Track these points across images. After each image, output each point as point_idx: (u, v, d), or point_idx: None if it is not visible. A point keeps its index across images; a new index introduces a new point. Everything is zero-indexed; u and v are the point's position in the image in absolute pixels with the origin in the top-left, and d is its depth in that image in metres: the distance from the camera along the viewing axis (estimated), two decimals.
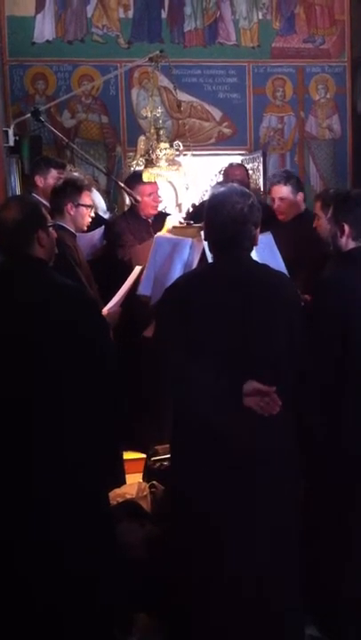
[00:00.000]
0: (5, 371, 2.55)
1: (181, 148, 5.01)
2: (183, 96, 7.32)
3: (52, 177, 4.82)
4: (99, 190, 6.65)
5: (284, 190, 4.71)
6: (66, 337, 2.55)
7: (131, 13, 7.52)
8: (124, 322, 4.12)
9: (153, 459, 4.24)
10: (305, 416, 3.00)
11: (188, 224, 4.18)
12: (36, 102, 7.14)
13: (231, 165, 6.06)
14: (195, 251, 3.82)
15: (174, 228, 4.26)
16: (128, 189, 4.92)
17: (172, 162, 4.89)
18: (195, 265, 3.75)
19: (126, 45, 7.52)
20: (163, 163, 4.84)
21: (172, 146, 4.98)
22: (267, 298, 2.78)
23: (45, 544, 2.55)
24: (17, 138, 6.10)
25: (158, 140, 4.93)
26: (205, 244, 3.14)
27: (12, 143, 5.91)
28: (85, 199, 4.23)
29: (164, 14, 7.59)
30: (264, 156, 7.47)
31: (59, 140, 6.47)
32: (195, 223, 4.06)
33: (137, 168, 5.12)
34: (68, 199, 4.16)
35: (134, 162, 5.30)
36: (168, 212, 6.21)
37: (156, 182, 5.01)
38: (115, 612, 2.87)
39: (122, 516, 3.61)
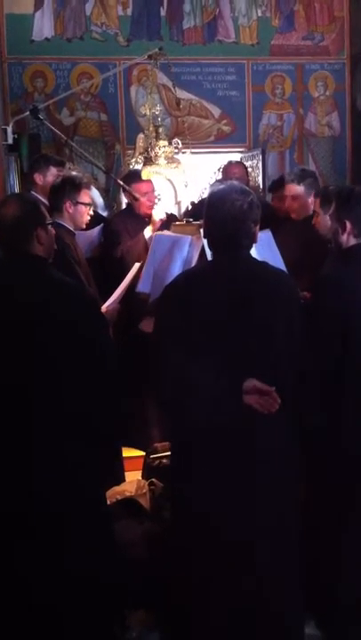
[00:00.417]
0: (5, 369, 2.55)
1: (180, 145, 5.02)
2: (182, 94, 7.31)
3: (51, 175, 4.81)
4: (98, 188, 6.65)
5: (297, 189, 4.67)
6: (65, 335, 2.55)
7: (130, 11, 7.51)
8: (124, 319, 4.12)
9: (152, 456, 4.24)
10: (305, 416, 3.00)
11: (187, 221, 4.18)
12: (35, 100, 7.13)
13: (230, 163, 6.04)
14: (194, 248, 3.82)
15: (174, 225, 4.26)
16: (127, 187, 4.92)
17: (171, 159, 4.91)
18: (194, 262, 3.75)
19: (125, 43, 7.51)
20: (162, 160, 4.85)
21: (170, 143, 4.99)
22: (266, 295, 2.77)
23: (45, 543, 2.54)
24: (16, 136, 6.09)
25: (157, 138, 4.95)
26: (205, 241, 3.14)
27: (10, 141, 5.90)
28: (84, 197, 4.23)
29: (163, 12, 7.58)
30: (263, 153, 7.46)
31: (58, 137, 6.48)
32: (194, 220, 4.06)
33: (136, 166, 5.12)
34: (66, 197, 4.15)
35: (133, 160, 5.31)
36: (168, 210, 6.21)
37: (151, 181, 5.01)
38: (114, 610, 2.88)
39: (121, 514, 3.61)
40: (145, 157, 4.85)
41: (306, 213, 4.64)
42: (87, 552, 2.61)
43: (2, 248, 2.73)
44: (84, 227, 4.38)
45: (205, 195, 4.44)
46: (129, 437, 4.63)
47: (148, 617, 3.24)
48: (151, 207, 5.01)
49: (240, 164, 6.27)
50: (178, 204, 6.84)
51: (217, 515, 2.74)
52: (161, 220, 4.74)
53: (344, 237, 3.15)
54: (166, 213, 5.30)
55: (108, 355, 2.72)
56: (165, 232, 4.19)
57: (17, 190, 6.01)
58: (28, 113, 5.18)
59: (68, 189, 4.17)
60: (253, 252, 3.01)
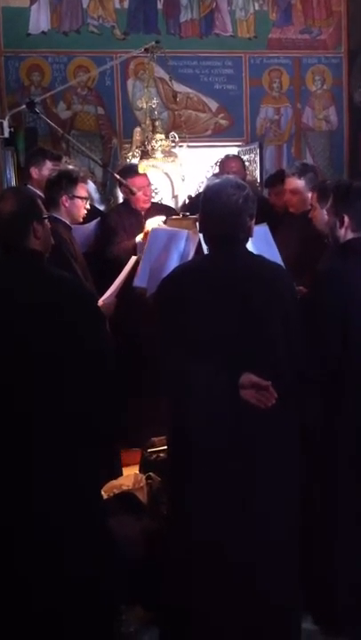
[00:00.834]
0: (3, 368, 2.54)
1: (177, 139, 5.00)
2: (179, 87, 7.30)
3: (47, 168, 4.80)
4: (95, 182, 6.64)
5: (297, 183, 4.64)
6: (64, 332, 2.54)
7: (126, 4, 7.47)
8: (120, 313, 4.11)
9: (149, 450, 4.25)
10: (303, 415, 3.00)
11: (184, 215, 4.17)
12: (32, 94, 7.10)
13: (227, 157, 6.03)
14: (191, 242, 3.81)
15: (170, 219, 4.25)
16: (124, 181, 4.91)
17: (168, 153, 4.89)
18: (191, 257, 3.74)
19: (122, 36, 7.48)
20: (159, 154, 4.84)
21: (167, 137, 4.97)
22: (262, 289, 2.77)
23: (45, 543, 2.54)
24: (12, 130, 6.05)
25: (154, 132, 4.93)
26: (201, 235, 3.13)
27: (7, 135, 5.87)
28: (80, 191, 4.22)
29: (159, 5, 7.54)
30: (261, 147, 7.46)
31: (54, 131, 6.46)
32: (191, 215, 4.05)
33: (133, 160, 5.10)
34: (62, 191, 4.14)
35: (130, 153, 5.29)
36: (164, 203, 6.21)
37: (146, 175, 5.00)
38: (112, 609, 2.88)
39: (118, 509, 3.61)
40: (142, 151, 4.83)
41: (304, 208, 4.61)
42: (85, 552, 2.60)
43: None
44: (81, 221, 4.37)
45: (202, 189, 4.43)
46: (125, 437, 4.64)
47: (145, 612, 3.24)
48: (147, 201, 5.00)
49: (237, 157, 6.26)
50: (175, 197, 6.84)
51: (215, 512, 2.73)
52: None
53: (342, 232, 3.15)
54: (162, 205, 5.30)
55: (107, 352, 2.72)
56: (162, 226, 4.18)
57: (13, 184, 6.00)
58: (24, 106, 5.15)
59: (64, 183, 4.16)
60: (250, 246, 3.00)
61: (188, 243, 3.81)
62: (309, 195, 4.59)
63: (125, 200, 5.28)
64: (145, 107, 5.00)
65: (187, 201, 6.31)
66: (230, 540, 2.73)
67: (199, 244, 3.66)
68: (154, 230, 4.05)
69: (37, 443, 2.53)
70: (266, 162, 7.60)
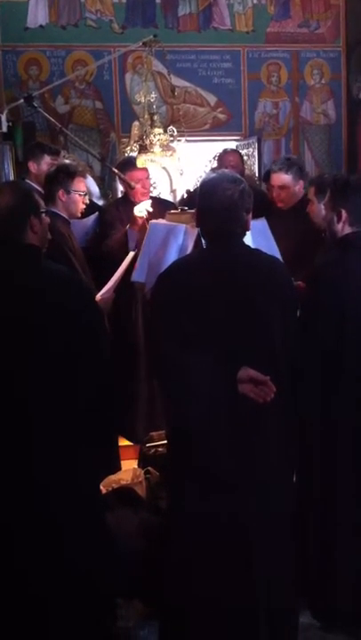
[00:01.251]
0: (2, 359, 2.53)
1: (176, 133, 4.99)
2: (177, 81, 7.28)
3: (45, 163, 4.79)
4: (93, 177, 6.63)
5: (284, 178, 4.60)
6: (60, 324, 2.53)
7: None
8: (117, 308, 4.12)
9: (148, 445, 4.25)
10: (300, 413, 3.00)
11: (182, 210, 4.17)
12: (30, 88, 7.09)
13: (226, 151, 6.02)
14: (189, 237, 3.80)
15: (169, 214, 4.25)
16: (122, 175, 4.90)
17: (166, 147, 4.88)
18: (189, 251, 3.74)
19: (120, 30, 7.48)
20: (157, 148, 4.82)
21: (166, 131, 4.96)
22: (259, 283, 2.76)
23: (44, 537, 2.54)
24: (10, 124, 6.05)
25: (152, 126, 4.91)
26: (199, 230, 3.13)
27: (5, 129, 5.86)
28: (78, 185, 4.21)
29: None
30: (259, 141, 7.45)
31: (52, 125, 6.43)
32: (189, 209, 4.04)
33: (131, 154, 5.09)
34: (59, 186, 4.14)
35: (128, 147, 5.28)
36: (163, 197, 6.20)
37: (145, 169, 4.99)
38: (109, 603, 2.89)
39: (117, 503, 3.62)
40: (140, 145, 4.82)
41: (293, 202, 4.62)
42: (84, 546, 2.60)
43: None
44: (80, 215, 4.36)
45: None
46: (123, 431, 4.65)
47: (144, 607, 3.24)
48: (146, 194, 4.99)
49: (235, 152, 6.25)
50: (173, 192, 6.83)
51: (214, 507, 2.73)
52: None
53: (339, 226, 3.15)
54: (160, 199, 5.28)
55: (103, 343, 2.72)
56: (161, 221, 4.17)
57: (12, 179, 5.98)
58: (22, 101, 5.14)
59: (61, 178, 4.15)
60: (248, 240, 2.99)
61: (187, 237, 3.81)
62: (297, 188, 4.61)
63: (125, 194, 5.28)
64: (143, 101, 4.99)
65: (185, 195, 6.31)
66: (229, 537, 2.73)
67: (198, 238, 3.65)
68: (152, 225, 4.04)
69: (37, 433, 2.53)
70: (264, 156, 7.60)
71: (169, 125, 5.23)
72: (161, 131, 4.89)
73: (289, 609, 2.92)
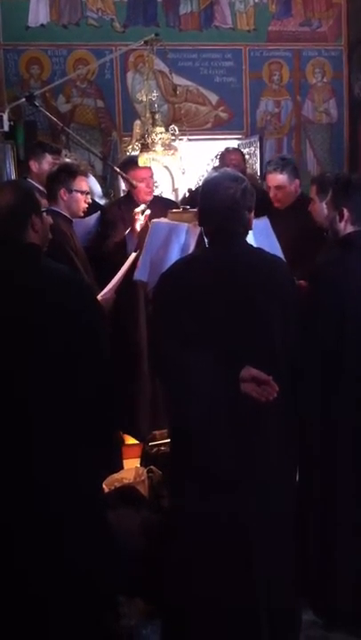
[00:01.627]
0: (2, 358, 2.53)
1: (177, 132, 4.98)
2: (179, 80, 7.29)
3: (46, 162, 4.79)
4: (95, 176, 6.63)
5: (280, 178, 4.62)
6: (60, 324, 2.53)
7: None
8: (119, 308, 4.12)
9: (150, 444, 4.25)
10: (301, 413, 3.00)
11: (184, 209, 4.16)
12: (31, 87, 7.09)
13: (227, 150, 6.02)
14: (191, 236, 3.80)
15: (171, 213, 4.24)
16: (124, 174, 4.89)
17: (167, 146, 4.87)
18: (191, 250, 3.73)
19: (121, 29, 7.47)
20: (158, 147, 4.81)
21: (167, 130, 4.95)
22: (261, 282, 2.76)
23: (45, 535, 2.53)
24: (11, 123, 6.04)
25: (154, 125, 4.90)
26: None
27: (6, 128, 5.85)
28: (80, 185, 4.21)
29: None
30: (261, 140, 7.46)
31: (54, 125, 6.44)
32: (191, 208, 4.04)
33: (133, 153, 5.09)
34: (61, 185, 4.14)
35: (130, 146, 5.27)
36: (165, 196, 6.19)
37: (149, 167, 4.98)
38: (114, 600, 2.88)
39: (119, 502, 3.62)
40: (142, 144, 4.81)
41: (290, 201, 4.63)
42: (85, 545, 2.60)
43: None
44: (82, 214, 4.36)
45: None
46: (125, 427, 4.65)
47: (146, 606, 3.24)
48: (149, 193, 4.99)
49: (237, 150, 6.25)
50: (175, 191, 6.83)
51: (214, 507, 2.73)
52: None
53: (341, 225, 3.15)
54: (162, 198, 5.28)
55: (104, 345, 2.71)
56: (163, 220, 4.17)
57: (13, 178, 5.98)
58: (23, 100, 5.14)
59: (62, 177, 4.15)
60: (250, 239, 2.99)
61: (189, 236, 3.80)
62: (293, 187, 4.61)
63: (127, 193, 5.27)
64: (145, 100, 4.98)
65: (187, 194, 6.31)
66: (229, 537, 2.73)
67: (200, 237, 3.64)
68: (154, 224, 4.03)
69: (37, 433, 2.52)
70: (266, 155, 7.58)
71: (171, 124, 5.22)
72: (163, 129, 4.88)
73: (289, 609, 2.92)
